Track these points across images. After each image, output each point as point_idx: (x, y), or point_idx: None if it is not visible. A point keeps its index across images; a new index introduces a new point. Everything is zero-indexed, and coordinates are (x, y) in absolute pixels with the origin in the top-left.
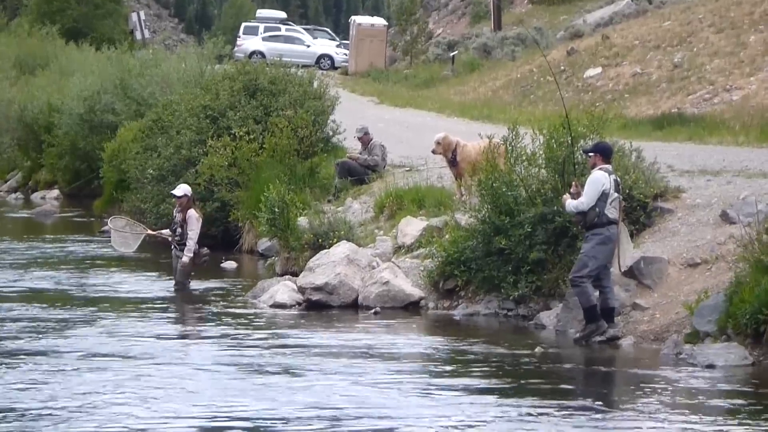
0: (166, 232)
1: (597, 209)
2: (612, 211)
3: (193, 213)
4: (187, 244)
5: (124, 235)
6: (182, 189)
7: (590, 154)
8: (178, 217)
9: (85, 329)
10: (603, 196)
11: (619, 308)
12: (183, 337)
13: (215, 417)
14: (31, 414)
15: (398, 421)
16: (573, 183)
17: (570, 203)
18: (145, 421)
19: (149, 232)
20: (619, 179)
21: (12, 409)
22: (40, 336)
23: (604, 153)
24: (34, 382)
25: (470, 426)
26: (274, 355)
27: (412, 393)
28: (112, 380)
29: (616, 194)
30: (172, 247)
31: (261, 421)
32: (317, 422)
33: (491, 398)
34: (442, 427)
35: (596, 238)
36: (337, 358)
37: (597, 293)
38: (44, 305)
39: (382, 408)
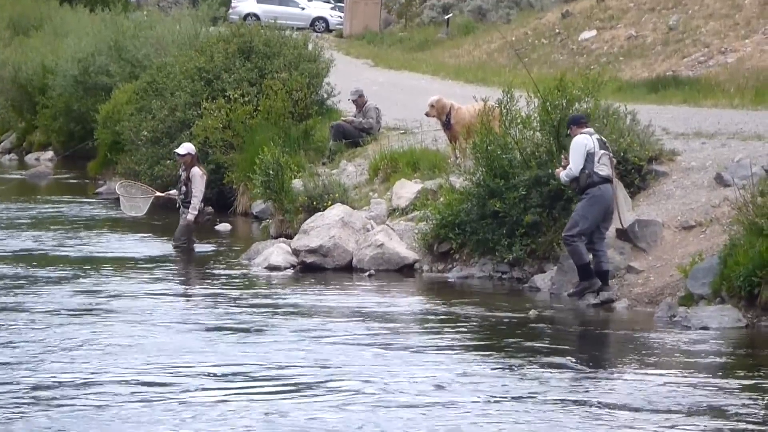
0: (173, 192)
1: (586, 170)
2: (603, 168)
3: (197, 171)
4: (191, 201)
5: (133, 199)
6: (185, 147)
7: (568, 131)
8: (183, 175)
9: (68, 286)
10: (589, 157)
11: (614, 271)
12: (163, 295)
13: (163, 370)
14: None
15: (360, 376)
16: (563, 156)
17: (562, 175)
18: (87, 372)
19: (158, 194)
20: (603, 138)
21: None
22: (18, 293)
23: (577, 122)
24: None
25: (442, 385)
26: (250, 314)
27: (387, 351)
28: (77, 334)
29: (602, 151)
30: (178, 206)
31: (204, 377)
32: (270, 377)
33: (472, 356)
34: (408, 383)
35: (587, 198)
36: (311, 317)
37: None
38: (31, 265)
39: (343, 365)
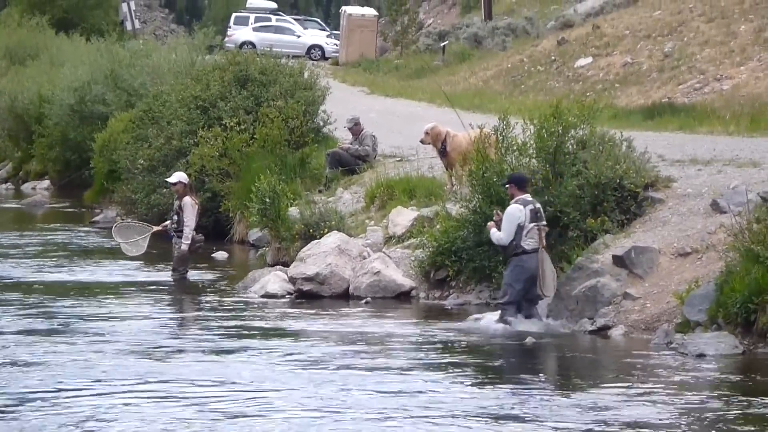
0: (169, 223)
1: (514, 242)
2: (529, 243)
3: (188, 200)
4: (183, 231)
5: (131, 241)
6: (176, 176)
7: (506, 186)
8: (175, 204)
9: (61, 311)
10: (519, 229)
11: (610, 297)
12: (146, 319)
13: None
14: None
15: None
16: (495, 211)
17: (493, 234)
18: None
19: (154, 228)
20: (538, 206)
21: None
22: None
23: (519, 183)
24: None
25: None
26: (230, 337)
27: (373, 373)
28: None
29: (532, 224)
30: (171, 235)
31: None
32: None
33: (467, 380)
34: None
35: (513, 266)
36: (295, 341)
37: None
38: (25, 293)
39: (275, 383)
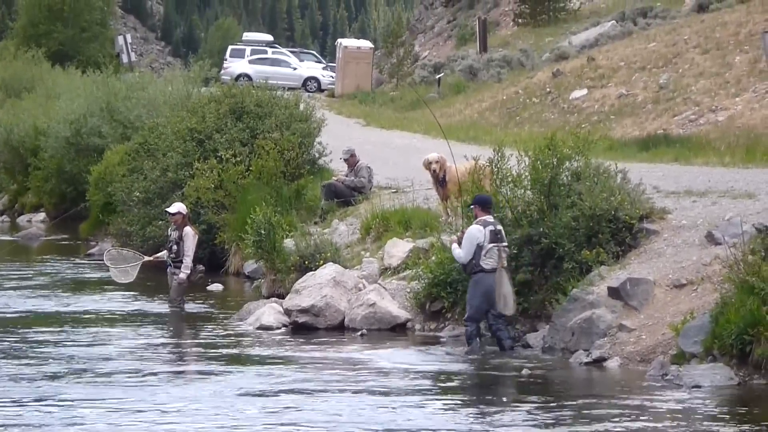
0: (162, 254)
1: (473, 261)
2: (488, 262)
3: (189, 230)
4: (183, 261)
5: (121, 267)
6: (176, 206)
7: (471, 207)
8: (173, 234)
9: (54, 341)
10: (478, 249)
11: (605, 329)
12: (141, 349)
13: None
14: None
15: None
16: (461, 230)
17: (454, 251)
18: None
19: (146, 258)
20: (499, 228)
21: None
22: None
23: (481, 204)
24: None
25: None
26: (226, 366)
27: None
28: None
29: (491, 245)
30: (168, 265)
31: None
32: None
33: (463, 410)
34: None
35: (471, 285)
36: (273, 367)
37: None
38: (19, 323)
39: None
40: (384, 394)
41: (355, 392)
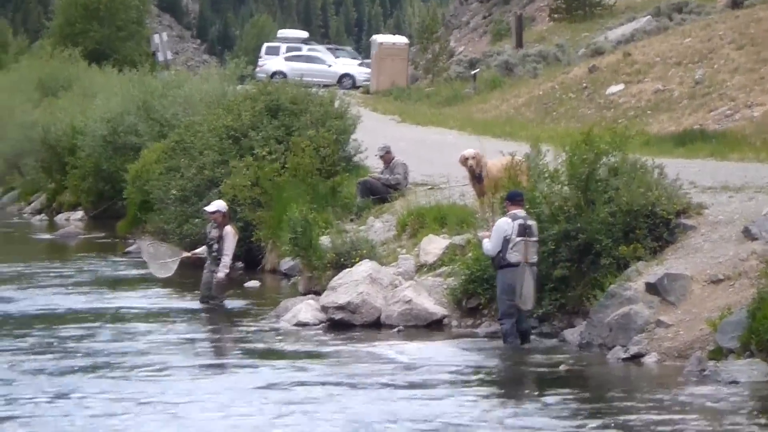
0: (200, 250)
1: (500, 254)
2: (513, 255)
3: (230, 230)
4: (222, 260)
5: (160, 260)
6: (215, 205)
7: (504, 205)
8: (213, 233)
9: (98, 336)
10: (505, 242)
11: (643, 325)
12: (182, 344)
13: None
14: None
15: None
16: (490, 223)
17: (484, 245)
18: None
19: (185, 254)
20: (530, 223)
21: None
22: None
23: (511, 198)
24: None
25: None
26: (255, 361)
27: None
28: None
29: (519, 238)
30: (208, 262)
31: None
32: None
33: (499, 406)
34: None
35: (500, 279)
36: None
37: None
38: (59, 321)
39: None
40: (418, 388)
41: (388, 386)
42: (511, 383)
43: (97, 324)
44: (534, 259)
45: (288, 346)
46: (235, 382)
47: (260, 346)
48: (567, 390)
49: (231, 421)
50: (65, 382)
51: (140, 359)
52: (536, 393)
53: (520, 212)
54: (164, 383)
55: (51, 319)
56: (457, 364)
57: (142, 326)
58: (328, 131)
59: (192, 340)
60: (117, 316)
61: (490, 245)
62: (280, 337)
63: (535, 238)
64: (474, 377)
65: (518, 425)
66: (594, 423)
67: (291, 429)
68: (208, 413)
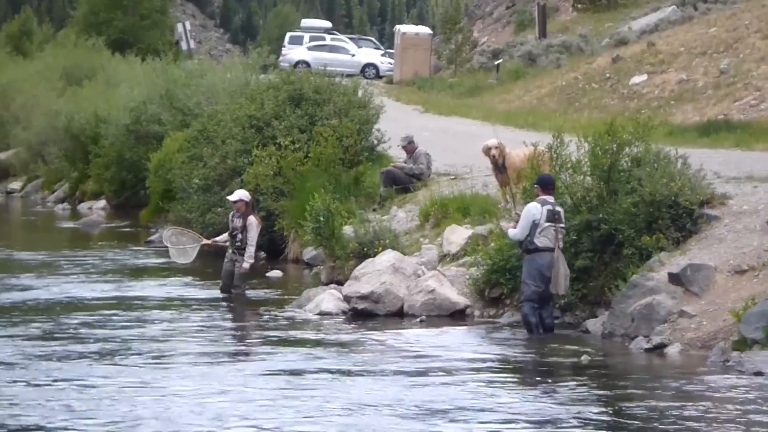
0: (221, 238)
1: (529, 238)
2: (542, 240)
3: (253, 220)
4: (246, 250)
5: (181, 246)
6: (238, 194)
7: (535, 187)
8: (237, 222)
9: (121, 325)
10: (534, 226)
11: (666, 315)
12: (204, 332)
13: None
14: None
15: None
16: (515, 212)
17: (510, 233)
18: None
19: (205, 241)
20: (558, 210)
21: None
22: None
23: (542, 184)
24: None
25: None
26: (278, 348)
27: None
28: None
29: (548, 224)
30: (230, 251)
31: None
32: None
33: (521, 397)
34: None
35: (526, 264)
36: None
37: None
38: (85, 312)
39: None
40: (439, 376)
41: (406, 373)
42: (532, 372)
43: (117, 311)
44: (560, 245)
45: (309, 335)
46: (254, 368)
47: (281, 334)
48: (588, 380)
49: (245, 406)
50: (82, 368)
51: (158, 345)
52: (558, 382)
53: (550, 199)
54: (181, 369)
55: (71, 307)
56: (478, 353)
57: (162, 314)
58: (351, 121)
59: (212, 328)
60: (137, 304)
61: (518, 229)
62: (301, 326)
63: (563, 225)
64: (494, 365)
65: (538, 413)
66: (615, 412)
67: (303, 414)
68: (223, 397)
